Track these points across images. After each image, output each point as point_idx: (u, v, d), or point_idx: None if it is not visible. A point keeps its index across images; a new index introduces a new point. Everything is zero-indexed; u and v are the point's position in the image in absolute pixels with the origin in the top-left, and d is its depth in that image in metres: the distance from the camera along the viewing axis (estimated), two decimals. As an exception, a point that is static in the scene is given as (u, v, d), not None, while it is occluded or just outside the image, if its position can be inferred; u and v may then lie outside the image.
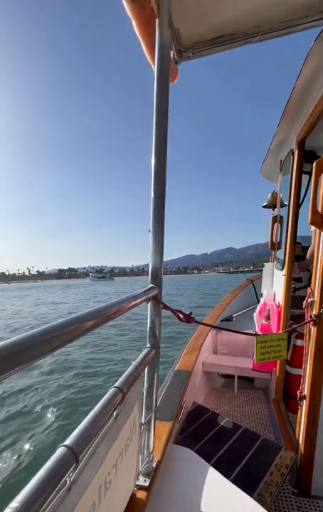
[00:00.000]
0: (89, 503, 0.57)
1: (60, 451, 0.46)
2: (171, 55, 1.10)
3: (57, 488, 0.41)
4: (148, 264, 1.00)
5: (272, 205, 3.44)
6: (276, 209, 2.80)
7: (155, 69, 0.94)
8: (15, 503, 0.35)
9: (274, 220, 2.48)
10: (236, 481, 1.12)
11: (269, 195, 3.50)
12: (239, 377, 2.59)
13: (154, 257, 0.97)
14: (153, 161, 0.94)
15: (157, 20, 0.92)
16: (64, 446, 0.47)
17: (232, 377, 2.63)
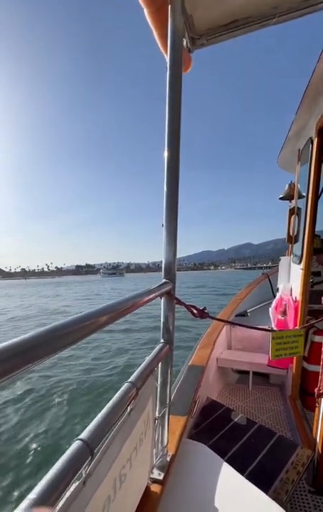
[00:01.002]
0: (105, 496, 0.57)
1: (75, 444, 0.47)
2: (184, 43, 1.06)
3: (72, 481, 0.42)
4: (162, 261, 0.99)
5: (289, 197, 3.32)
6: (293, 200, 2.71)
7: (167, 58, 0.91)
8: (32, 494, 0.36)
9: (292, 211, 2.40)
10: (250, 478, 1.11)
11: (287, 186, 3.38)
12: (254, 373, 2.55)
13: (167, 252, 0.96)
14: (166, 153, 0.91)
15: (170, 6, 0.88)
16: (79, 439, 0.48)
17: (246, 373, 2.59)
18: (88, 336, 0.47)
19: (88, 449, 0.47)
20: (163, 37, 0.93)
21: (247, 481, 1.10)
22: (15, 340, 0.32)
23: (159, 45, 1.00)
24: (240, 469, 1.15)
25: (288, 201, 3.33)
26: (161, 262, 0.99)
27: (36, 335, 0.36)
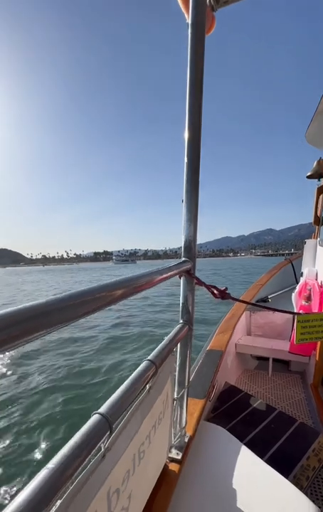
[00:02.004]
0: (124, 470, 0.58)
1: (94, 418, 0.47)
2: (207, 2, 0.96)
3: (91, 454, 0.43)
4: (180, 248, 0.93)
5: (317, 175, 3.10)
6: (322, 179, 2.53)
7: (189, 18, 0.82)
8: (51, 464, 0.37)
9: (320, 190, 2.23)
10: (270, 463, 1.09)
11: (315, 163, 3.14)
12: (274, 359, 2.50)
13: (187, 229, 0.90)
14: (187, 120, 0.84)
15: None
16: (98, 413, 0.48)
17: (266, 359, 2.54)
18: (104, 307, 0.46)
19: (107, 423, 0.47)
20: None
21: (267, 465, 1.08)
22: (30, 304, 0.32)
23: (181, 4, 0.91)
24: (259, 454, 1.13)
25: (316, 180, 3.11)
26: (178, 249, 0.93)
27: (51, 301, 0.35)
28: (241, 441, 1.20)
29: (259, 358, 2.75)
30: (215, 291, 0.99)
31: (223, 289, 1.00)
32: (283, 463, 1.31)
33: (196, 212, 0.89)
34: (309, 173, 3.23)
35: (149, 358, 0.71)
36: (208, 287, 0.98)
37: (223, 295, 0.99)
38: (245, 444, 1.17)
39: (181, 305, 0.97)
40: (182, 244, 0.93)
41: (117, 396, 0.54)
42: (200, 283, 0.97)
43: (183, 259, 0.92)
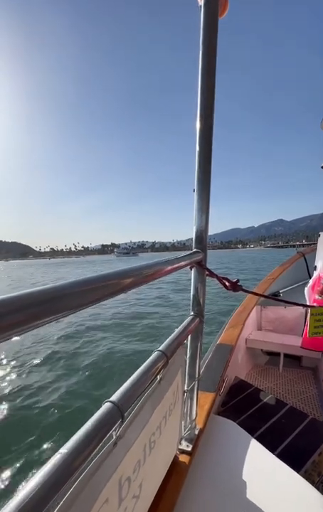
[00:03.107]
0: (135, 459, 0.59)
1: (105, 406, 0.47)
2: None
3: (103, 441, 0.43)
4: (189, 240, 0.89)
5: None
6: None
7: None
8: (64, 449, 0.37)
9: None
10: (281, 457, 1.07)
11: None
12: (285, 355, 2.46)
13: (198, 219, 0.86)
14: (199, 104, 0.79)
15: None
16: (110, 402, 0.48)
17: (277, 354, 2.51)
18: (112, 296, 0.45)
19: (119, 411, 0.47)
20: None
21: (277, 459, 1.07)
22: (35, 289, 0.32)
23: None
24: (270, 449, 1.11)
25: None
26: (187, 241, 0.89)
27: (60, 286, 0.35)
28: (251, 435, 1.19)
29: (270, 354, 2.71)
30: (227, 283, 0.95)
31: (234, 280, 0.96)
32: (294, 458, 1.29)
33: (208, 202, 0.86)
34: None
35: (159, 348, 0.69)
36: (220, 279, 0.94)
37: (235, 287, 0.96)
38: (256, 439, 1.16)
39: (191, 297, 0.95)
40: (193, 235, 0.90)
41: (128, 385, 0.54)
42: (212, 274, 0.93)
43: (195, 249, 0.89)
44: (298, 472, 1.15)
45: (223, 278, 0.95)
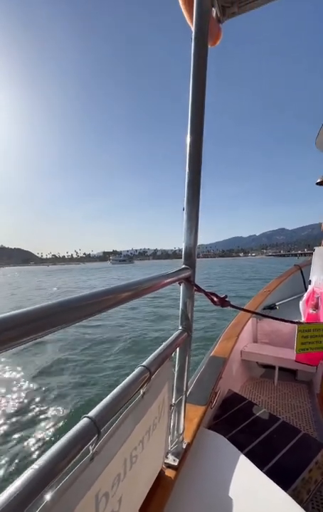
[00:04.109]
0: (114, 474, 0.59)
1: (82, 422, 0.48)
2: (213, 13, 0.95)
3: (78, 456, 0.43)
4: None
5: None
6: None
7: (193, 29, 0.82)
8: (37, 464, 0.38)
9: None
10: (270, 475, 1.06)
11: None
12: (280, 368, 2.45)
13: (187, 237, 0.90)
14: (189, 128, 0.84)
15: None
16: (87, 417, 0.49)
17: (272, 367, 2.50)
18: (101, 311, 0.48)
19: (95, 426, 0.47)
20: (190, 6, 0.84)
21: (265, 476, 1.06)
22: (33, 307, 0.35)
23: (185, 15, 0.91)
24: (259, 465, 1.11)
25: None
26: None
27: (49, 306, 0.38)
28: (241, 450, 1.18)
29: (265, 366, 2.70)
30: (215, 299, 0.98)
31: (222, 296, 0.99)
32: (283, 475, 1.28)
33: (197, 221, 0.90)
34: (318, 180, 3.19)
35: (143, 363, 0.71)
36: (208, 294, 0.97)
37: (223, 303, 0.98)
38: (246, 454, 1.15)
39: (180, 311, 0.97)
40: (182, 251, 0.93)
41: (108, 401, 0.55)
42: (200, 290, 0.96)
43: (183, 266, 0.92)
44: (287, 490, 1.15)
45: (211, 294, 0.98)
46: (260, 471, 1.08)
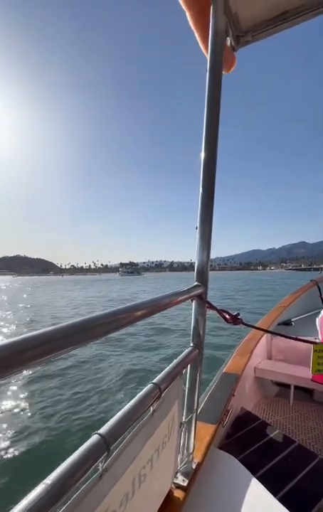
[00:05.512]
0: (122, 493, 0.58)
1: (92, 438, 0.48)
2: (228, 42, 1.03)
3: (88, 474, 0.44)
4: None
5: None
6: None
7: (208, 58, 0.89)
8: (48, 480, 0.38)
9: None
10: (283, 501, 1.02)
11: None
12: (296, 387, 2.36)
13: (200, 255, 0.94)
14: (202, 154, 0.90)
15: (212, 7, 0.86)
16: (97, 434, 0.49)
17: (287, 386, 2.41)
18: (113, 331, 0.49)
19: (104, 444, 0.47)
20: (206, 38, 0.91)
21: (279, 503, 1.02)
22: (52, 327, 0.38)
23: (201, 46, 0.98)
24: (273, 491, 1.07)
25: None
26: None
27: (73, 324, 0.41)
28: (254, 473, 1.15)
29: (280, 385, 2.60)
30: (227, 316, 0.99)
31: (235, 314, 1.00)
32: (298, 503, 1.22)
33: (209, 239, 0.94)
34: None
35: (153, 381, 0.72)
36: (220, 312, 0.98)
37: (235, 320, 0.99)
38: (258, 478, 1.12)
39: (192, 328, 0.98)
40: (195, 269, 0.97)
41: (118, 418, 0.55)
42: (212, 307, 0.98)
43: (196, 283, 0.94)
44: None
45: (223, 311, 0.99)
46: (273, 497, 1.04)
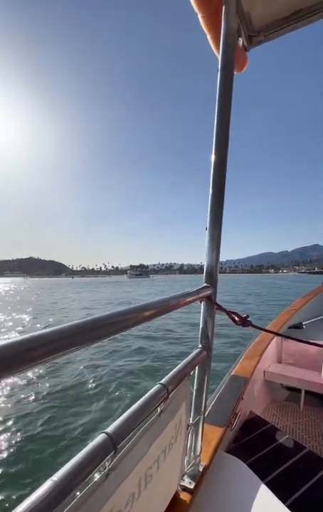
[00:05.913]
0: (128, 493, 0.58)
1: (100, 437, 0.49)
2: (240, 42, 1.03)
3: (94, 472, 0.44)
4: (220, 262, 0.98)
5: None
6: None
7: (219, 59, 0.89)
8: (55, 477, 0.39)
9: None
10: (293, 509, 1.00)
11: None
12: (306, 392, 2.30)
13: (209, 256, 0.94)
14: (213, 155, 0.90)
15: (224, 7, 0.86)
16: (104, 433, 0.49)
17: (298, 390, 2.36)
18: (122, 331, 0.49)
19: (111, 443, 0.48)
20: (217, 39, 0.92)
21: (288, 510, 1.00)
22: (64, 325, 0.39)
23: (213, 47, 0.99)
24: (282, 498, 1.04)
25: None
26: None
27: (84, 322, 0.42)
28: (262, 479, 1.13)
29: (290, 389, 2.55)
30: (237, 318, 0.99)
31: (244, 316, 0.99)
32: (309, 510, 1.20)
33: (219, 240, 0.94)
34: None
35: (161, 381, 0.71)
36: (229, 314, 0.98)
37: (244, 322, 0.98)
38: (267, 484, 1.10)
39: (200, 330, 0.98)
40: (204, 270, 0.97)
41: (125, 417, 0.55)
42: (221, 309, 0.97)
43: (205, 284, 0.94)
44: None
45: (233, 313, 0.99)
46: (283, 504, 1.02)
